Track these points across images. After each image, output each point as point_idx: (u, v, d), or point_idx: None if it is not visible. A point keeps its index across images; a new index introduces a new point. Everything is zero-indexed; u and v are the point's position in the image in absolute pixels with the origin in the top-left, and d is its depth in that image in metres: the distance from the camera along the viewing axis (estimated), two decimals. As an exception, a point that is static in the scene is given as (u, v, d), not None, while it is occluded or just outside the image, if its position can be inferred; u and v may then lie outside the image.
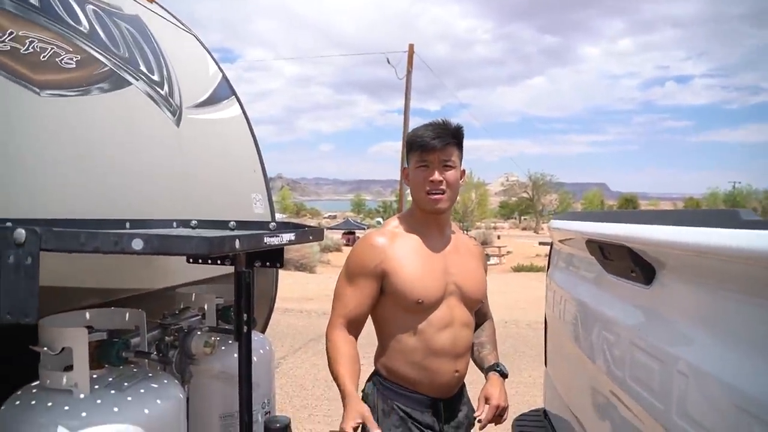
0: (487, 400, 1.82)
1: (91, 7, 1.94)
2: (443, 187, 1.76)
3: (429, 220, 1.83)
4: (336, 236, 38.32)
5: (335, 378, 1.66)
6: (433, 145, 1.74)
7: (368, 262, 1.77)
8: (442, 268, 1.81)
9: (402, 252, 1.78)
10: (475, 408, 1.85)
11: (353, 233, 47.15)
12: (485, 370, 1.95)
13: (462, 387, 1.92)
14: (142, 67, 2.14)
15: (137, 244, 1.01)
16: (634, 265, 1.14)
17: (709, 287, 0.92)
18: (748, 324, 0.81)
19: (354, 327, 1.79)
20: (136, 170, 1.95)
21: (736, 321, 0.85)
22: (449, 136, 1.78)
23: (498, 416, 1.83)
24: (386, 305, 1.79)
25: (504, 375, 1.93)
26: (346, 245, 34.70)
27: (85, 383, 1.16)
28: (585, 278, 1.71)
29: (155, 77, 2.22)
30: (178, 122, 2.33)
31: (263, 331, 2.86)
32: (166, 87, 2.31)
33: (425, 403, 1.79)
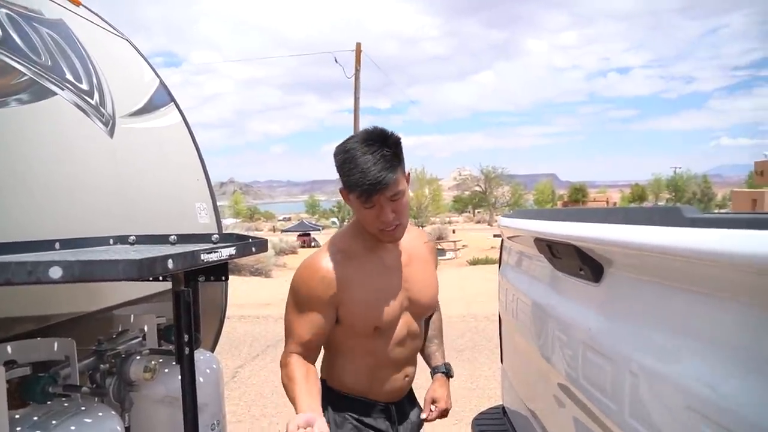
0: (433, 402, 1.89)
1: (4, 11, 1.80)
2: (396, 221, 1.61)
3: None
4: (291, 239, 37.98)
5: (293, 403, 1.55)
6: (380, 191, 1.53)
7: (321, 294, 1.63)
8: (397, 287, 1.74)
9: (355, 278, 1.65)
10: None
11: (308, 235, 46.90)
12: (432, 370, 1.99)
13: (411, 388, 1.92)
14: (68, 76, 2.01)
15: (55, 273, 0.93)
16: (582, 264, 1.13)
17: (655, 285, 0.91)
18: (695, 321, 0.81)
19: (311, 355, 1.68)
20: (66, 186, 1.83)
21: (683, 318, 0.84)
22: (391, 167, 1.54)
23: (442, 417, 1.91)
24: (339, 331, 1.70)
25: (450, 376, 1.97)
26: (302, 247, 34.44)
27: (3, 426, 1.06)
28: (535, 276, 1.70)
29: (83, 86, 2.10)
30: (111, 133, 2.21)
31: (214, 345, 2.76)
32: (96, 96, 2.19)
33: (378, 408, 1.77)
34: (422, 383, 1.94)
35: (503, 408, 2.35)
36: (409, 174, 1.68)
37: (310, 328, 1.65)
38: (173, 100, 2.93)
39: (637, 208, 1.00)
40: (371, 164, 1.51)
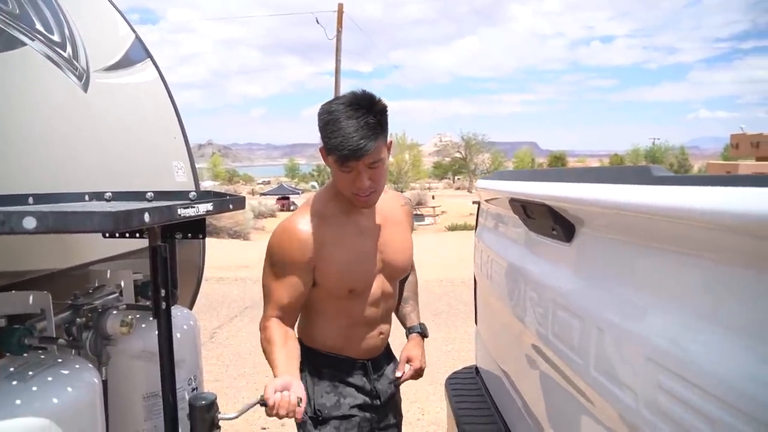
0: (408, 361, 1.94)
1: (-31, -44, 1.73)
2: (372, 188, 1.61)
3: None
4: (270, 202, 37.78)
5: (271, 366, 1.57)
6: (359, 156, 1.52)
7: (297, 257, 1.64)
8: (373, 250, 1.76)
9: (331, 240, 1.67)
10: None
11: (288, 198, 46.67)
12: (407, 330, 2.04)
13: (387, 344, 1.97)
14: (39, 26, 1.95)
15: (29, 223, 0.92)
16: (554, 223, 1.15)
17: (623, 243, 0.93)
18: (662, 277, 0.83)
19: (289, 318, 1.70)
20: (39, 140, 1.79)
21: (651, 275, 0.87)
22: (374, 134, 1.53)
23: (417, 375, 1.96)
24: (314, 293, 1.72)
25: (424, 336, 2.01)
26: (281, 210, 34.31)
27: (-20, 376, 1.06)
28: (510, 237, 1.73)
29: (55, 38, 2.04)
30: (85, 87, 2.16)
31: (192, 303, 2.77)
32: (69, 48, 2.13)
33: (354, 365, 1.81)
34: (402, 341, 1.99)
35: (476, 368, 2.41)
36: (391, 143, 1.67)
37: (287, 291, 1.66)
38: (150, 56, 2.86)
39: (608, 167, 1.02)
40: (353, 130, 1.50)
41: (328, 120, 1.54)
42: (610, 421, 0.94)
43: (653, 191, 0.75)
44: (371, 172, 1.58)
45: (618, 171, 0.91)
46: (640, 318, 0.86)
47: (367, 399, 1.82)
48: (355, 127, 1.50)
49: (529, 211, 1.32)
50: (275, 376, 1.52)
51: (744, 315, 0.64)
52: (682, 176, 0.74)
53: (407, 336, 2.02)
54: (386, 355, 1.95)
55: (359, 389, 1.81)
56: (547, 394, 1.32)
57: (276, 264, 1.67)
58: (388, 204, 1.82)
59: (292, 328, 1.71)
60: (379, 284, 1.79)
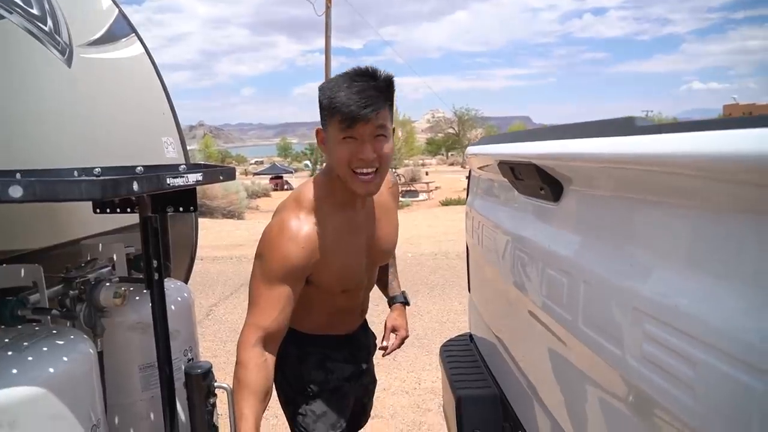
0: (394, 330, 2.01)
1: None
2: (375, 164, 1.47)
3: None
4: (264, 182, 37.67)
5: (237, 414, 1.41)
6: (364, 115, 1.39)
7: (296, 264, 1.50)
8: (364, 246, 1.71)
9: (330, 244, 1.55)
10: (382, 336, 2.01)
11: (281, 177, 46.54)
12: (389, 299, 2.09)
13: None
14: (17, 0, 1.91)
15: (15, 192, 0.91)
16: (542, 183, 1.16)
17: (609, 199, 0.94)
18: (647, 228, 0.84)
19: (274, 339, 1.52)
20: (23, 116, 1.77)
21: (637, 227, 0.87)
22: (382, 98, 1.42)
23: (401, 344, 2.05)
24: (303, 289, 1.58)
25: (407, 304, 2.09)
26: (275, 190, 34.23)
27: (-26, 347, 1.07)
28: (499, 201, 1.74)
29: (35, 11, 2.00)
30: (69, 62, 2.13)
31: (186, 278, 2.78)
32: (49, 22, 2.09)
33: (338, 341, 1.84)
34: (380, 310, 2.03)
35: (470, 335, 2.43)
36: (394, 129, 1.55)
37: (280, 301, 1.50)
38: (134, 31, 2.82)
39: (592, 122, 1.02)
40: (359, 90, 1.40)
41: (330, 86, 1.45)
42: (601, 377, 0.95)
43: (638, 141, 0.75)
44: (376, 144, 1.45)
45: (602, 125, 0.91)
46: (624, 270, 0.86)
47: (353, 369, 1.85)
48: (361, 88, 1.40)
49: (518, 173, 1.33)
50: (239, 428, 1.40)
51: (737, 262, 0.63)
52: (665, 124, 0.74)
53: (389, 305, 2.08)
54: (362, 326, 1.99)
55: (345, 361, 1.84)
56: (540, 355, 1.34)
57: (270, 271, 1.50)
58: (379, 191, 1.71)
59: (275, 352, 1.53)
60: (368, 275, 1.81)
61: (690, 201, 0.71)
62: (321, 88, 1.49)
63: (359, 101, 1.38)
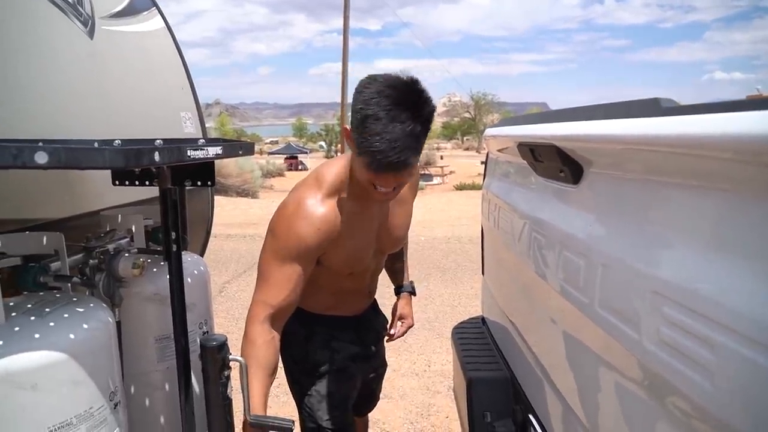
0: (401, 318, 2.09)
1: None
2: (392, 195, 1.51)
3: None
4: (278, 161, 37.73)
5: (249, 389, 1.45)
6: (397, 169, 1.35)
7: (310, 244, 1.51)
8: (377, 233, 1.72)
9: (344, 227, 1.56)
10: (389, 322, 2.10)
11: (296, 158, 46.56)
12: (396, 287, 2.17)
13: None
14: (41, -29, 1.92)
15: (41, 157, 0.92)
16: (562, 165, 1.15)
17: (630, 182, 0.93)
18: (669, 211, 0.83)
19: (281, 317, 1.55)
20: (45, 87, 1.78)
21: (658, 210, 0.86)
22: (417, 147, 1.33)
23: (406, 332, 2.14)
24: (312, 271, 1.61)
25: (413, 294, 2.17)
26: (290, 170, 34.30)
27: (-1, 311, 1.09)
28: (518, 183, 1.73)
29: (58, -18, 2.01)
30: (91, 34, 2.14)
31: (202, 252, 2.81)
32: (73, -6, 2.10)
33: (345, 321, 1.86)
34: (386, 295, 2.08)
35: (482, 318, 2.44)
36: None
37: (291, 280, 1.52)
38: (155, 4, 2.82)
39: (616, 103, 1.00)
40: (395, 137, 1.29)
41: (367, 115, 1.31)
42: (617, 360, 0.95)
43: (664, 122, 0.74)
44: (398, 183, 1.45)
45: (627, 106, 0.90)
46: (644, 252, 0.86)
47: (359, 351, 1.87)
48: (398, 135, 1.29)
49: (537, 154, 1.31)
50: (251, 405, 1.45)
51: (760, 246, 0.61)
52: (691, 105, 0.72)
53: (396, 293, 2.13)
54: (373, 309, 2.01)
55: (351, 342, 1.86)
56: (554, 338, 1.34)
57: (284, 250, 1.52)
58: None
59: (281, 330, 1.56)
60: (376, 261, 1.83)
61: (714, 183, 0.70)
62: (357, 97, 1.37)
63: (393, 157, 1.29)
